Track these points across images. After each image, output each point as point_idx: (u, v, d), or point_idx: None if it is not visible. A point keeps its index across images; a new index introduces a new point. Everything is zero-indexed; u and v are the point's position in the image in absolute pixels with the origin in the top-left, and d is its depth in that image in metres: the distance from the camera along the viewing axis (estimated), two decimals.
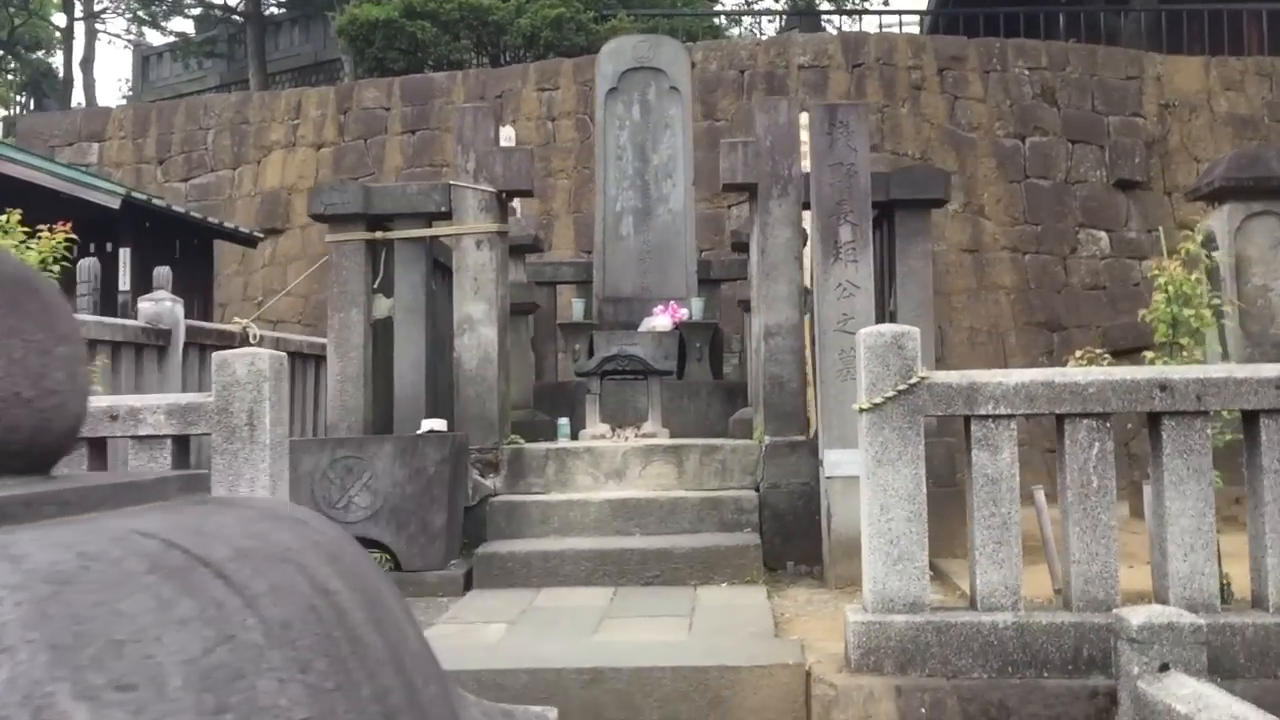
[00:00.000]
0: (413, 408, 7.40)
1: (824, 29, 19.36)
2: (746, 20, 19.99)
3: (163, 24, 27.54)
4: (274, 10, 26.07)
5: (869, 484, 4.34)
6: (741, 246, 8.82)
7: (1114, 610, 3.94)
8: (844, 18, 18.75)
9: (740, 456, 7.25)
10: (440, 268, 8.11)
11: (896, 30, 16.49)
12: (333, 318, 7.48)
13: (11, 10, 24.68)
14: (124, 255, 10.58)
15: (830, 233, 6.68)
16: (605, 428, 7.66)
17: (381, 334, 7.66)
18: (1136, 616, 3.78)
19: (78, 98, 26.88)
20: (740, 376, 9.88)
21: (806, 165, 7.47)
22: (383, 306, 7.58)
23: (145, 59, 27.93)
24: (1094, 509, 4.30)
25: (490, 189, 7.32)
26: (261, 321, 13.94)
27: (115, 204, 9.64)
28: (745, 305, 8.39)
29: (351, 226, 7.48)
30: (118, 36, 32.15)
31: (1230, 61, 14.40)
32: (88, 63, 29.15)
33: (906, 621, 4.21)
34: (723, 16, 20.45)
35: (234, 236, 11.98)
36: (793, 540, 6.99)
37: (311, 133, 15.00)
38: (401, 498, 6.51)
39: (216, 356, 4.58)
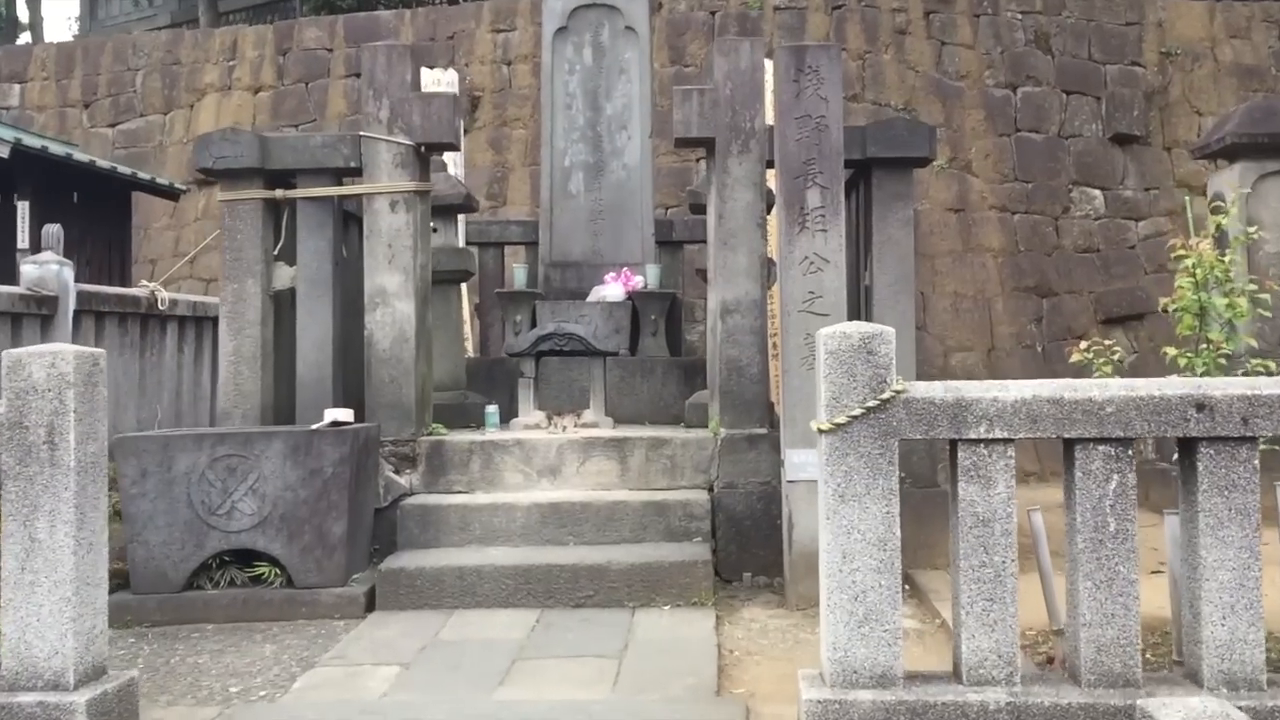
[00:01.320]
0: (317, 393, 6.46)
1: None
2: None
3: None
4: None
5: (829, 525, 3.43)
6: (700, 209, 7.86)
7: (1136, 701, 3.06)
8: None
9: (693, 452, 6.34)
10: (357, 230, 7.12)
11: None
12: (225, 289, 6.51)
13: None
14: (22, 209, 9.54)
15: (796, 197, 5.73)
16: (540, 416, 6.73)
17: (286, 309, 6.70)
18: (1169, 714, 2.90)
19: (25, 39, 25.47)
20: (703, 352, 8.97)
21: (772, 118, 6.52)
22: (284, 276, 6.60)
23: None
24: (1110, 559, 3.41)
25: (407, 141, 6.33)
26: (195, 281, 12.94)
27: (3, 152, 8.58)
28: (704, 275, 7.46)
29: (246, 183, 6.49)
30: None
31: (1236, 6, 13.40)
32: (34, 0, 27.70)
33: (874, 701, 3.32)
34: None
35: (152, 188, 10.93)
36: (750, 549, 6.13)
37: (248, 75, 13.89)
38: (294, 503, 5.59)
39: (6, 356, 3.62)
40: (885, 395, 3.42)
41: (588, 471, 6.30)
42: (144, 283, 8.71)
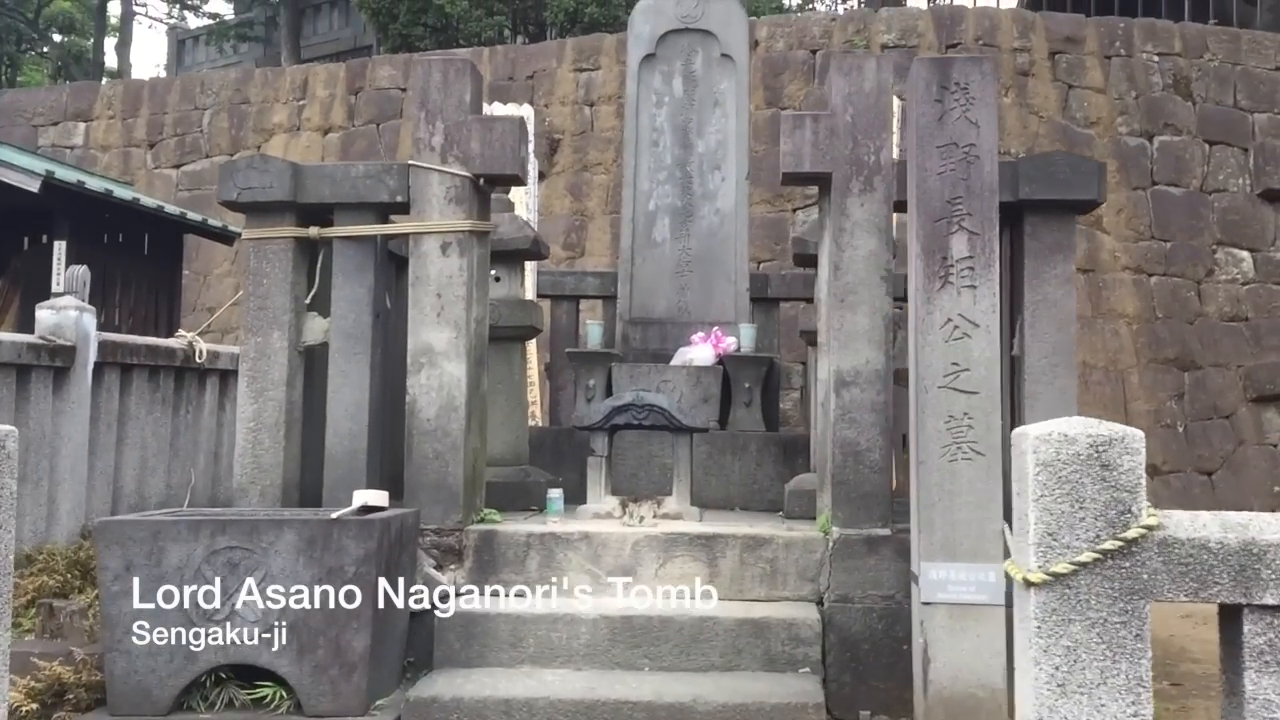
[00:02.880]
0: (349, 469, 5.42)
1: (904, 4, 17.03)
2: (813, 13, 17.67)
3: (199, 4, 25.99)
4: None
5: None
6: (807, 260, 6.73)
7: None
8: None
9: (798, 555, 5.16)
10: (404, 276, 6.12)
11: (997, 4, 14.22)
12: (246, 343, 5.53)
13: None
14: (58, 250, 8.75)
15: (936, 244, 4.58)
16: (613, 502, 5.60)
17: (317, 367, 5.70)
18: None
19: None
20: (804, 424, 7.79)
21: (898, 150, 5.41)
22: (316, 329, 5.60)
23: (180, 43, 26.54)
24: None
25: (463, 172, 5.31)
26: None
27: (34, 186, 7.79)
28: (810, 337, 6.33)
29: (276, 219, 5.52)
30: (158, 20, 30.70)
31: None
32: (123, 47, 27.81)
33: None
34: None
35: (204, 230, 10.12)
36: (868, 680, 4.93)
37: (318, 115, 13.17)
38: (307, 609, 4.52)
39: None
40: (1131, 533, 2.24)
41: (669, 575, 5.15)
42: (181, 332, 7.80)
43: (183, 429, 7.38)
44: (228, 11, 26.23)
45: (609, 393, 7.26)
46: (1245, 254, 11.11)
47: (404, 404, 5.39)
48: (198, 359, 7.30)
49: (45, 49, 26.81)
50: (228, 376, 7.63)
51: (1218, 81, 11.52)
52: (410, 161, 5.41)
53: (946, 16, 11.84)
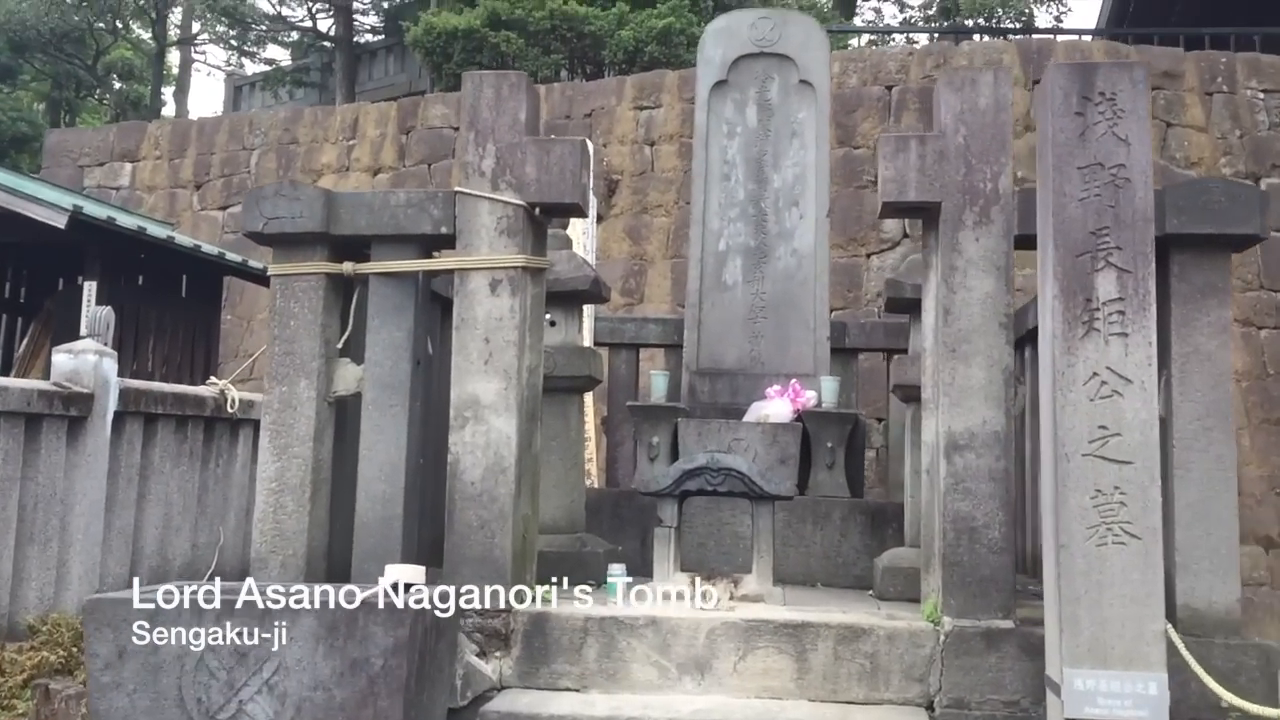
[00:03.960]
0: (382, 538, 4.73)
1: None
2: (895, 39, 16.95)
3: (256, 51, 25.86)
4: (368, 37, 24.28)
5: None
6: (902, 305, 5.97)
7: None
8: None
9: (902, 649, 4.37)
10: (449, 318, 5.48)
11: (1088, 37, 13.43)
12: (270, 392, 4.89)
13: (99, 35, 23.17)
14: (88, 290, 8.22)
15: (1079, 283, 3.83)
16: (683, 580, 4.85)
17: (349, 421, 5.03)
18: None
19: None
20: (881, 487, 7.00)
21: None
22: (348, 378, 4.94)
23: (238, 89, 26.41)
24: None
25: (516, 200, 4.66)
26: None
27: (60, 222, 7.27)
28: (906, 392, 5.58)
29: (306, 252, 4.90)
30: (217, 68, 30.74)
31: None
32: (181, 93, 27.85)
33: None
34: (861, 36, 17.49)
35: (243, 272, 9.59)
36: None
37: (368, 155, 12.67)
38: (326, 707, 3.83)
39: None
40: None
41: (750, 670, 4.39)
42: (213, 379, 7.20)
43: (212, 484, 6.76)
44: (285, 58, 26.10)
45: (674, 451, 6.55)
46: None
47: (445, 464, 4.71)
48: (230, 408, 6.67)
49: (104, 96, 26.83)
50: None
51: None
52: (457, 188, 4.77)
53: (1034, 49, 11.09)
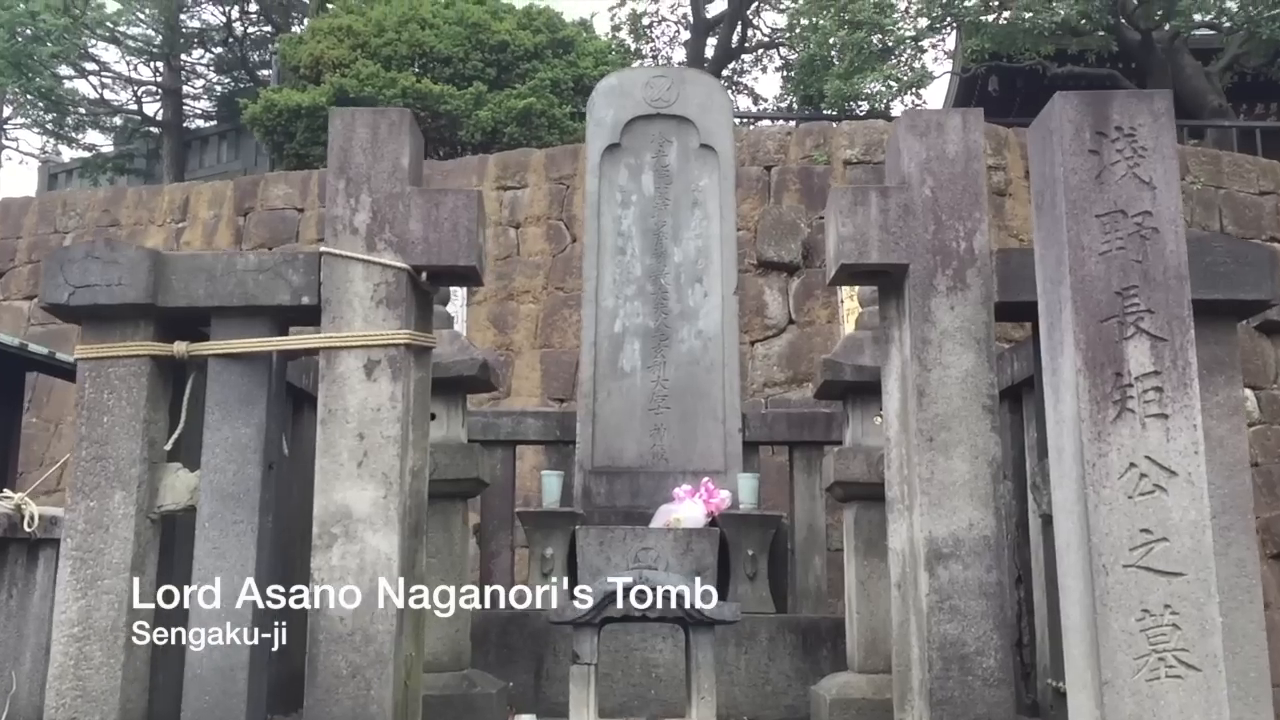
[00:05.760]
0: (220, 697, 3.65)
1: None
2: (767, 125, 16.63)
3: (76, 136, 24.12)
4: (200, 123, 22.96)
5: None
6: (839, 388, 5.23)
7: None
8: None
9: None
10: (309, 411, 4.51)
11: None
12: (74, 508, 3.79)
13: None
14: None
15: (1106, 354, 3.15)
16: None
17: (180, 543, 3.96)
18: None
19: None
20: (793, 598, 6.19)
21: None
22: (180, 487, 3.88)
23: (53, 176, 24.64)
24: None
25: (398, 263, 3.76)
26: None
27: None
28: (848, 491, 4.82)
29: (126, 330, 3.86)
30: (30, 155, 28.65)
31: None
32: None
33: None
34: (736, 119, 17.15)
35: (52, 367, 8.29)
36: None
37: (200, 238, 11.47)
38: None
39: None
40: None
41: None
42: (7, 492, 5.95)
43: (3, 619, 5.53)
44: (106, 143, 24.44)
45: (571, 564, 5.62)
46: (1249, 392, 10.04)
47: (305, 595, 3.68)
48: (27, 527, 5.47)
49: None
50: None
51: (1202, 205, 10.62)
52: (323, 249, 3.83)
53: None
